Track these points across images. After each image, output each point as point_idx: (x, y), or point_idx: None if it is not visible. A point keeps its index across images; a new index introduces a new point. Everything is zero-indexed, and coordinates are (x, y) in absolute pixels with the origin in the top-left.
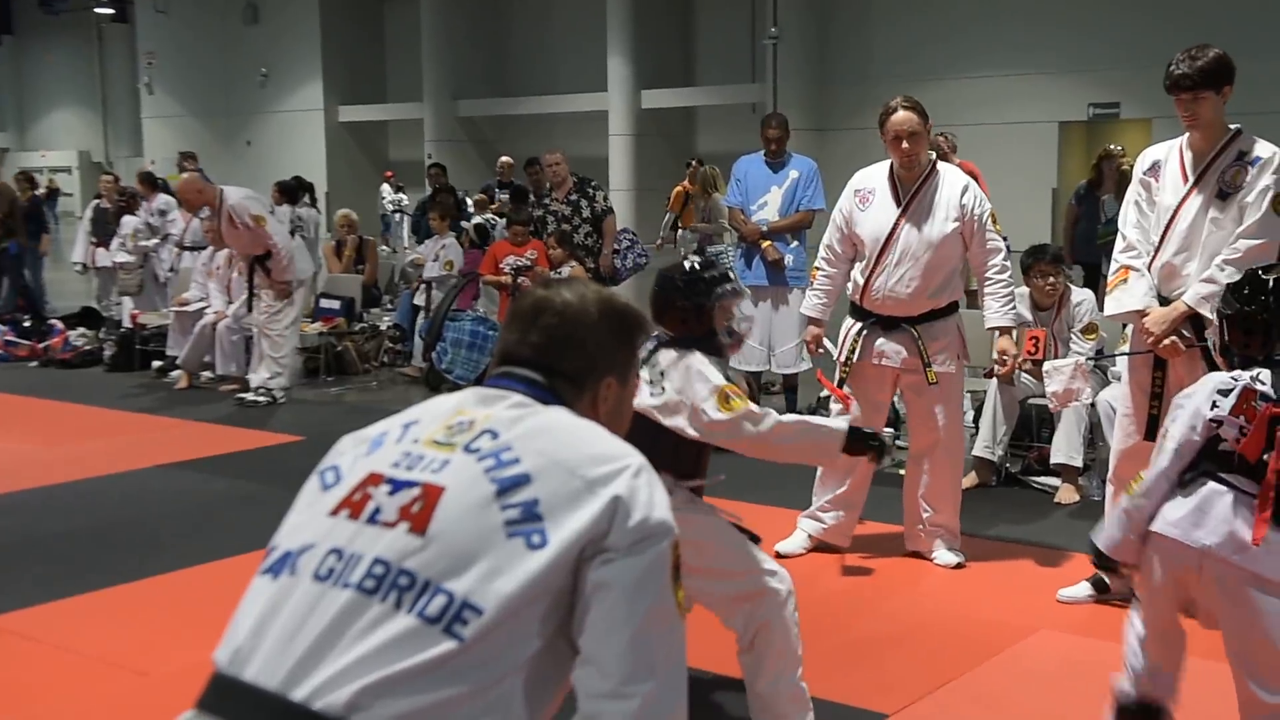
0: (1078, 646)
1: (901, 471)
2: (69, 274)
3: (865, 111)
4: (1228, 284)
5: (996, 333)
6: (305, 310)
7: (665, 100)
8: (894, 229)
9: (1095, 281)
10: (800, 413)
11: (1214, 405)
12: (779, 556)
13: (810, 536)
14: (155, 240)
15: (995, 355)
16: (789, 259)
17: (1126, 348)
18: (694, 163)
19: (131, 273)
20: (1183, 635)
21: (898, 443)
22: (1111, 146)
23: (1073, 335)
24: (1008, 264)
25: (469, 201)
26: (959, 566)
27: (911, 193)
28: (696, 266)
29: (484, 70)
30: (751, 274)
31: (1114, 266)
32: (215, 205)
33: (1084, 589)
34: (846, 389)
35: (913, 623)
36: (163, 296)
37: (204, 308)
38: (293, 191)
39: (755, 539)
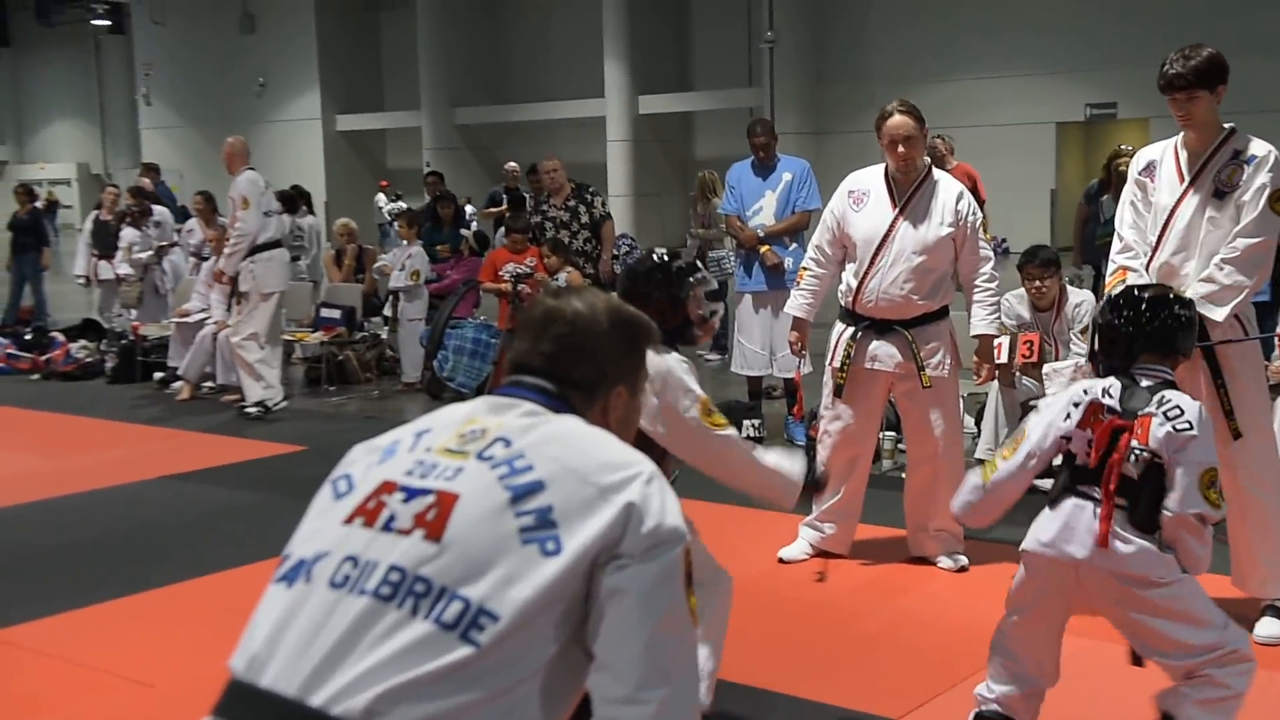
0: (1081, 648)
1: (903, 475)
2: (70, 286)
3: (862, 114)
4: (1107, 294)
5: (977, 340)
6: (276, 325)
7: (663, 105)
8: (890, 230)
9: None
10: (805, 416)
11: (1067, 417)
12: (782, 562)
13: (811, 544)
14: (151, 253)
15: (973, 363)
16: (788, 262)
17: None
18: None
19: (132, 285)
20: (1059, 649)
21: (899, 446)
22: (1121, 146)
23: (1072, 336)
24: (996, 273)
25: (469, 209)
26: (962, 570)
27: (908, 195)
28: (664, 258)
29: (481, 78)
30: (751, 280)
31: (1111, 267)
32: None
33: None
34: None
35: (917, 626)
36: (164, 308)
37: (205, 318)
38: (291, 201)
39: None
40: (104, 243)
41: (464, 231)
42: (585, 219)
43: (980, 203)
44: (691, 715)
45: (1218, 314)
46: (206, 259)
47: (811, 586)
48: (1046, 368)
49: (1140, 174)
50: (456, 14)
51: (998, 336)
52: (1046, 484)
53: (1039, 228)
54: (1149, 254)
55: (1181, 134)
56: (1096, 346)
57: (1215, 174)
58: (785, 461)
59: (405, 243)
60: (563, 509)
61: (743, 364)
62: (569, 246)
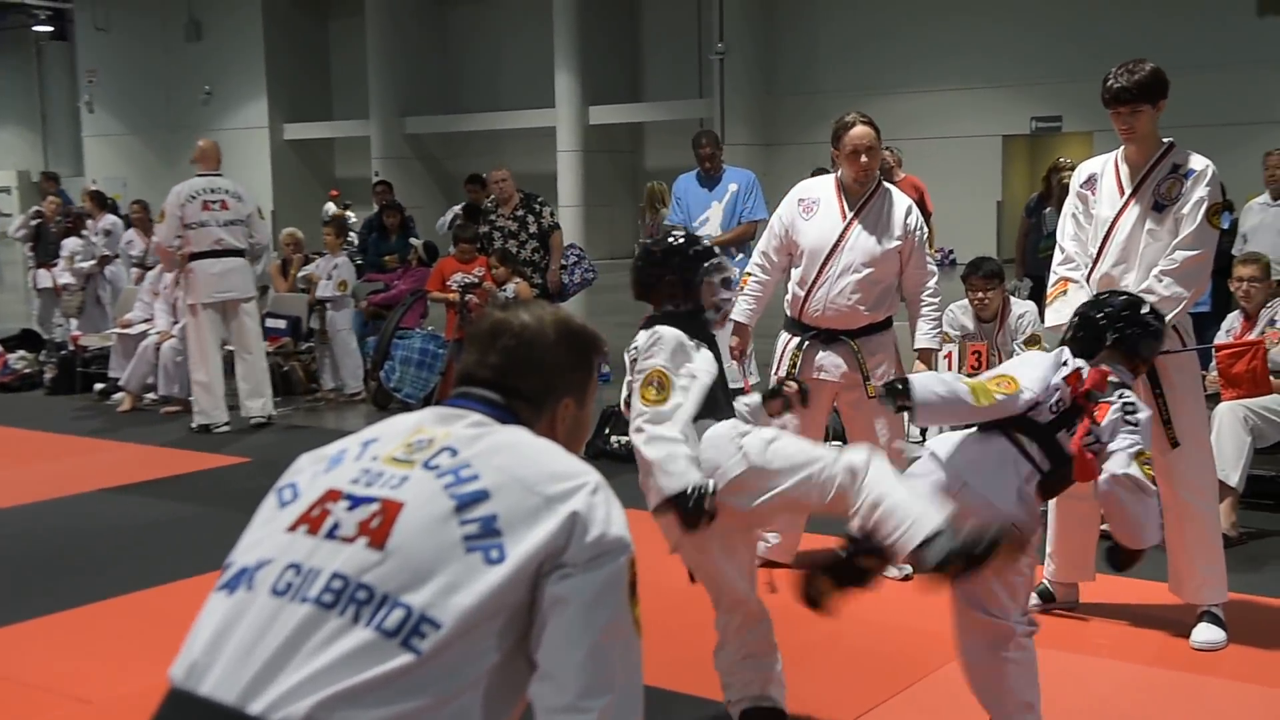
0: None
1: None
2: (11, 295)
3: (812, 126)
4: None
5: (917, 354)
6: (202, 339)
7: (613, 116)
8: (840, 240)
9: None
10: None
11: (1057, 374)
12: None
13: (758, 555)
14: (93, 262)
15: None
16: (735, 272)
17: None
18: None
19: (73, 294)
20: None
21: None
22: (1060, 159)
23: (1015, 347)
24: (939, 288)
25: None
26: (906, 578)
27: (859, 206)
28: (680, 241)
29: (431, 87)
30: None
31: (1053, 278)
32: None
33: (1030, 598)
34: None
35: (860, 635)
36: (105, 318)
37: (147, 329)
38: None
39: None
40: (44, 251)
41: (413, 241)
42: (534, 229)
43: (927, 215)
44: None
45: None
46: (149, 268)
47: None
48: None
49: (1081, 187)
50: (406, 23)
51: (938, 350)
52: None
53: (985, 239)
54: (1090, 265)
55: (1122, 148)
56: (1070, 336)
57: (1155, 187)
58: (683, 459)
59: (328, 253)
60: (507, 518)
61: None
62: (517, 256)
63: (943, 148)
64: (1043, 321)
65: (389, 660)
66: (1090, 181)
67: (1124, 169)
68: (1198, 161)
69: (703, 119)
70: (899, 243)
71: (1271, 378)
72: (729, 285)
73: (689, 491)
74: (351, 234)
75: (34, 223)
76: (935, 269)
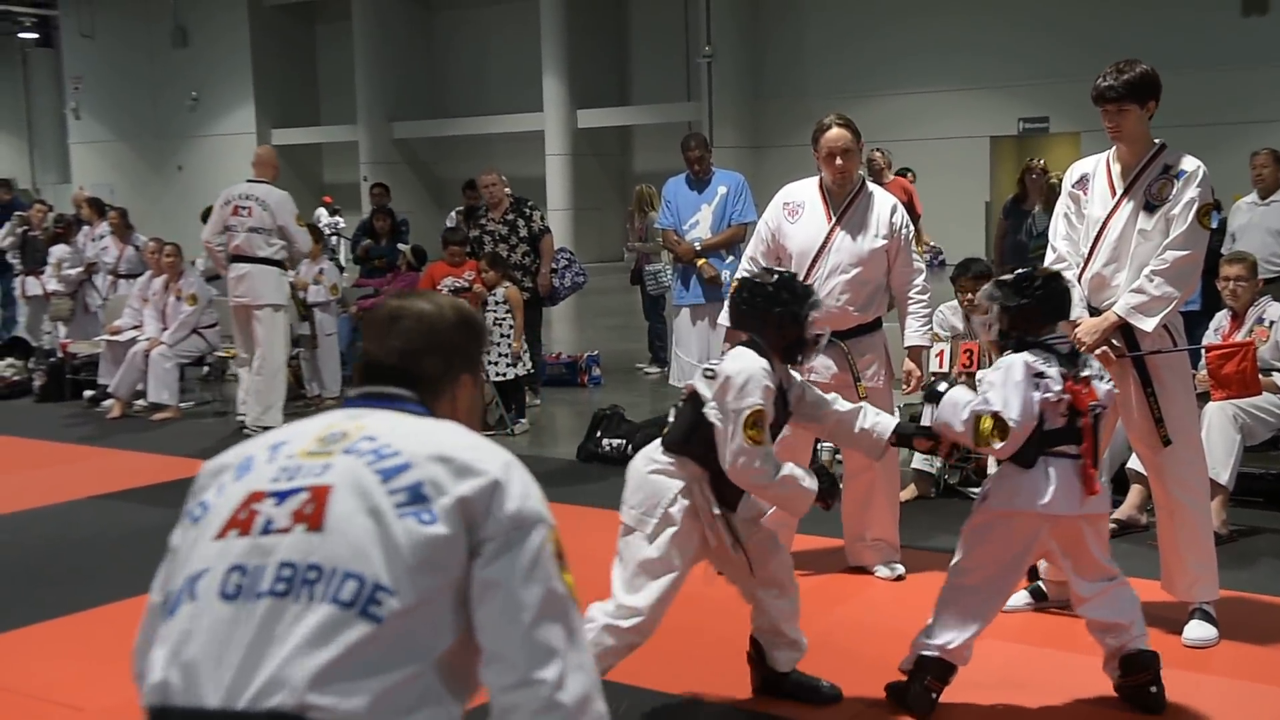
0: (1017, 654)
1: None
2: None
3: (799, 129)
4: (1007, 281)
5: (907, 351)
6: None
7: (601, 120)
8: (826, 242)
9: None
10: None
11: (1035, 389)
12: (719, 572)
13: None
14: (80, 269)
15: (902, 374)
16: (725, 275)
17: None
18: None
19: (62, 300)
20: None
21: (838, 458)
22: (1031, 160)
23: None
24: (928, 285)
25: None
26: (899, 579)
27: (843, 207)
28: (789, 277)
29: (419, 91)
30: (689, 293)
31: None
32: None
33: (1022, 598)
34: None
35: (852, 636)
36: (95, 325)
37: (136, 336)
38: None
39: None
40: (32, 258)
41: (401, 246)
42: (524, 233)
43: (915, 216)
44: (588, 684)
45: (1147, 324)
46: (123, 276)
47: (734, 597)
48: (980, 374)
49: (1073, 187)
50: (394, 27)
51: (929, 348)
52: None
53: (974, 240)
54: (1081, 265)
55: (1114, 148)
56: (1007, 327)
57: (1146, 188)
58: (799, 473)
59: (309, 260)
60: (432, 484)
61: (680, 376)
62: (507, 260)
63: (931, 149)
64: None
65: (352, 631)
66: (1082, 181)
67: (1116, 169)
68: (1189, 163)
69: (690, 122)
70: (885, 242)
71: (1261, 377)
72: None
73: (822, 483)
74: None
75: (20, 230)
76: (923, 267)
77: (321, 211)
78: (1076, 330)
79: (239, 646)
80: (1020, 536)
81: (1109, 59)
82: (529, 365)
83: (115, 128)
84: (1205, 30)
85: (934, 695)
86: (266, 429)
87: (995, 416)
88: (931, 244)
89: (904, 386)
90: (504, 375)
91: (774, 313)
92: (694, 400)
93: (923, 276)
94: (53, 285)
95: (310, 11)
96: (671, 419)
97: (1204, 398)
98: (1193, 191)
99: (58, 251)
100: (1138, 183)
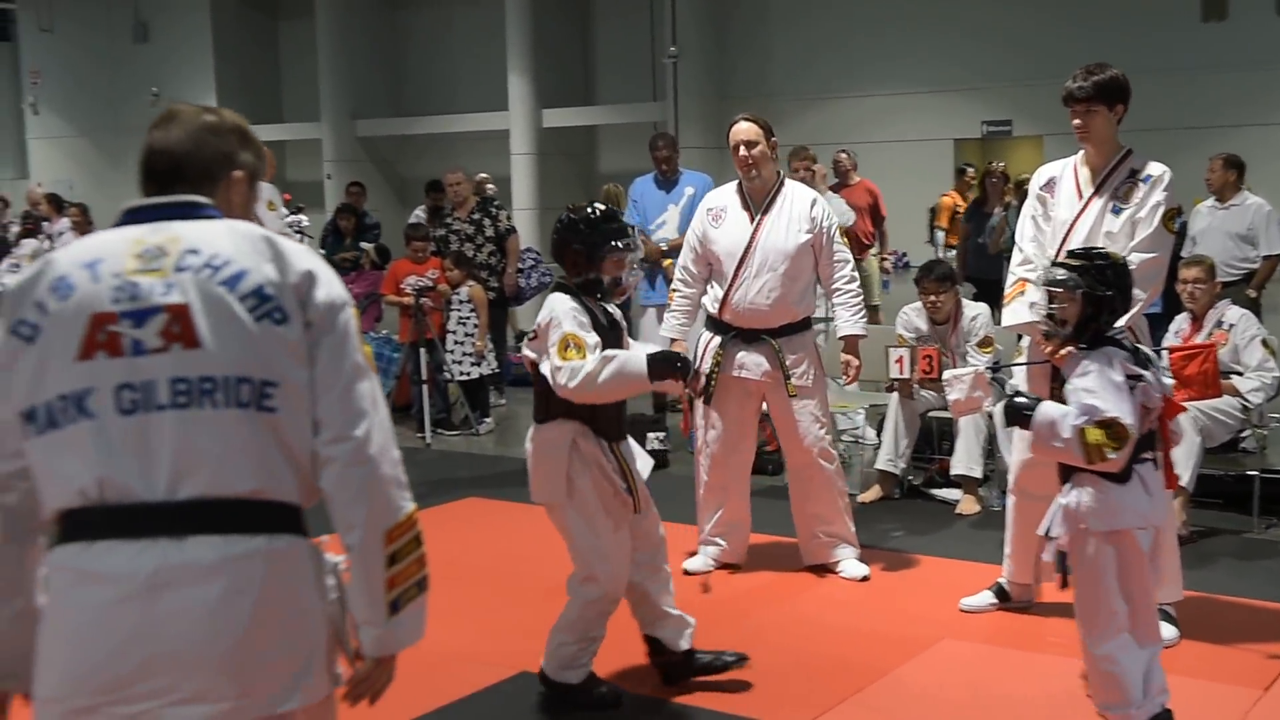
0: (980, 654)
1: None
2: None
3: None
4: (1083, 266)
5: (843, 342)
6: None
7: (567, 119)
8: (750, 242)
9: (991, 296)
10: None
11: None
12: (687, 574)
13: (712, 558)
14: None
15: (840, 364)
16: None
17: (1023, 359)
18: (968, 170)
19: None
20: None
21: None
22: (992, 163)
23: (968, 349)
24: (855, 274)
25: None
26: (864, 579)
27: (763, 207)
28: (599, 214)
29: (383, 89)
30: (655, 292)
31: (1011, 279)
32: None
33: (986, 598)
34: (699, 409)
35: (815, 637)
36: None
37: None
38: None
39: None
40: None
41: (364, 245)
42: (490, 232)
43: (881, 219)
44: (386, 437)
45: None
46: None
47: (706, 596)
48: (947, 374)
49: (1041, 189)
50: (358, 24)
51: (864, 336)
52: (948, 495)
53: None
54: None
55: (1081, 152)
56: (1085, 319)
57: (1113, 191)
58: (620, 355)
59: None
60: (270, 284)
61: None
62: (472, 260)
63: (895, 151)
64: (997, 323)
65: (258, 424)
66: (1050, 184)
67: (1083, 172)
68: (1155, 167)
69: (656, 122)
70: (808, 236)
71: (1221, 380)
72: (638, 265)
73: (678, 366)
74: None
75: None
76: (849, 258)
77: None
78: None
79: (162, 449)
80: (1134, 553)
81: (1070, 63)
82: (494, 365)
83: (74, 123)
84: (1165, 36)
85: None
86: None
87: (1108, 424)
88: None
89: (843, 378)
90: (468, 374)
91: (571, 247)
92: (535, 369)
93: (850, 266)
94: (8, 279)
95: (273, 7)
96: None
97: None
98: (1159, 195)
99: (30, 245)
100: (1104, 186)
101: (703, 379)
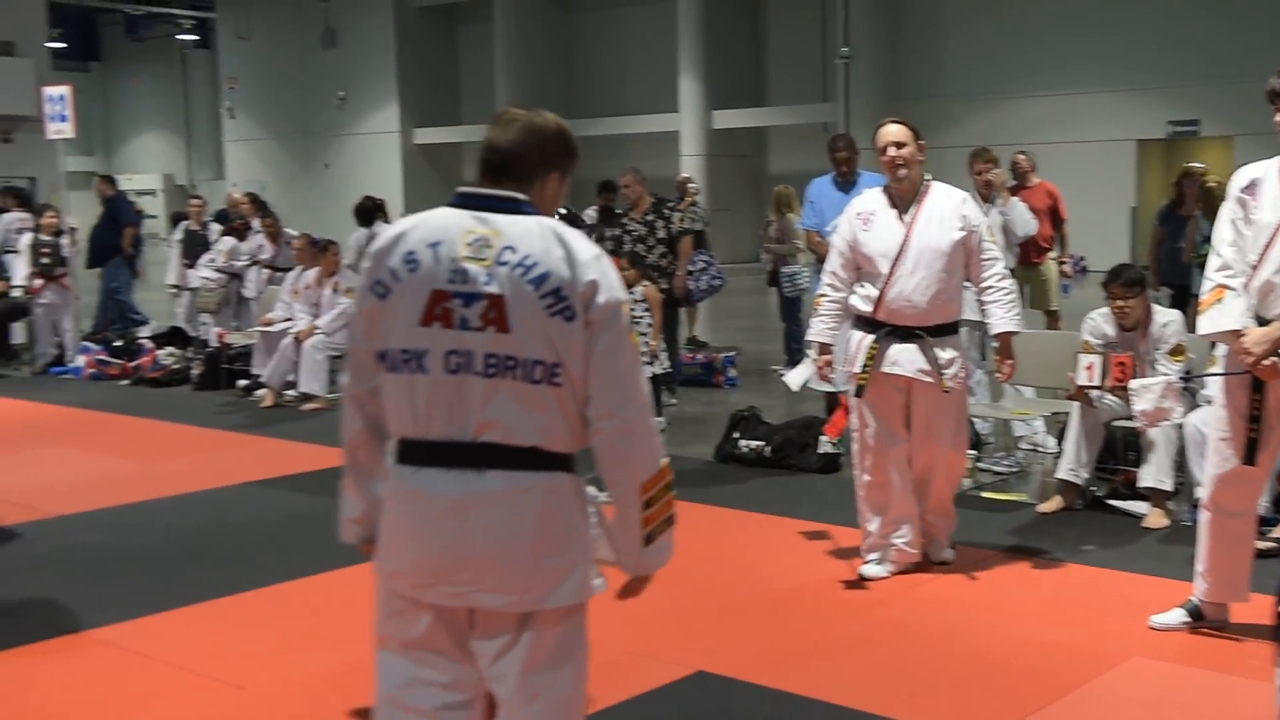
0: (1172, 675)
1: (983, 494)
2: (156, 294)
3: (940, 131)
4: None
5: (997, 340)
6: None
7: (737, 120)
8: (905, 239)
9: (1184, 303)
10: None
11: None
12: (863, 579)
13: (889, 561)
14: (246, 260)
15: (994, 362)
16: None
17: (1218, 369)
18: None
19: (211, 292)
20: None
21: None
22: (1191, 164)
23: (1159, 357)
24: (1007, 272)
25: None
26: (942, 563)
27: (912, 208)
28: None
29: (556, 92)
30: None
31: (1208, 285)
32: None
33: (1178, 616)
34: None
35: (998, 649)
36: (247, 317)
37: (288, 327)
38: (367, 213)
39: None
40: (193, 252)
41: None
42: (661, 233)
43: (1060, 221)
44: (650, 423)
45: None
46: (278, 270)
47: (887, 603)
48: (1134, 384)
49: (1242, 191)
50: (533, 29)
51: (1018, 333)
52: (1134, 508)
53: (1119, 246)
54: (1249, 272)
55: None
56: None
57: None
58: None
59: None
60: (566, 285)
61: (819, 380)
62: (644, 260)
63: (1075, 152)
64: (1192, 330)
65: (547, 395)
66: (1251, 186)
67: None
68: None
69: (826, 123)
70: (961, 234)
71: None
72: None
73: None
74: None
75: (183, 224)
76: (1000, 255)
77: None
78: (1243, 340)
79: (469, 404)
80: None
81: (1266, 58)
82: (666, 365)
83: (267, 126)
84: None
85: None
86: None
87: None
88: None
89: (998, 375)
90: None
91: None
92: None
93: (1001, 264)
94: (204, 273)
95: (453, 14)
96: None
97: None
98: None
99: (227, 242)
100: None
101: (855, 380)
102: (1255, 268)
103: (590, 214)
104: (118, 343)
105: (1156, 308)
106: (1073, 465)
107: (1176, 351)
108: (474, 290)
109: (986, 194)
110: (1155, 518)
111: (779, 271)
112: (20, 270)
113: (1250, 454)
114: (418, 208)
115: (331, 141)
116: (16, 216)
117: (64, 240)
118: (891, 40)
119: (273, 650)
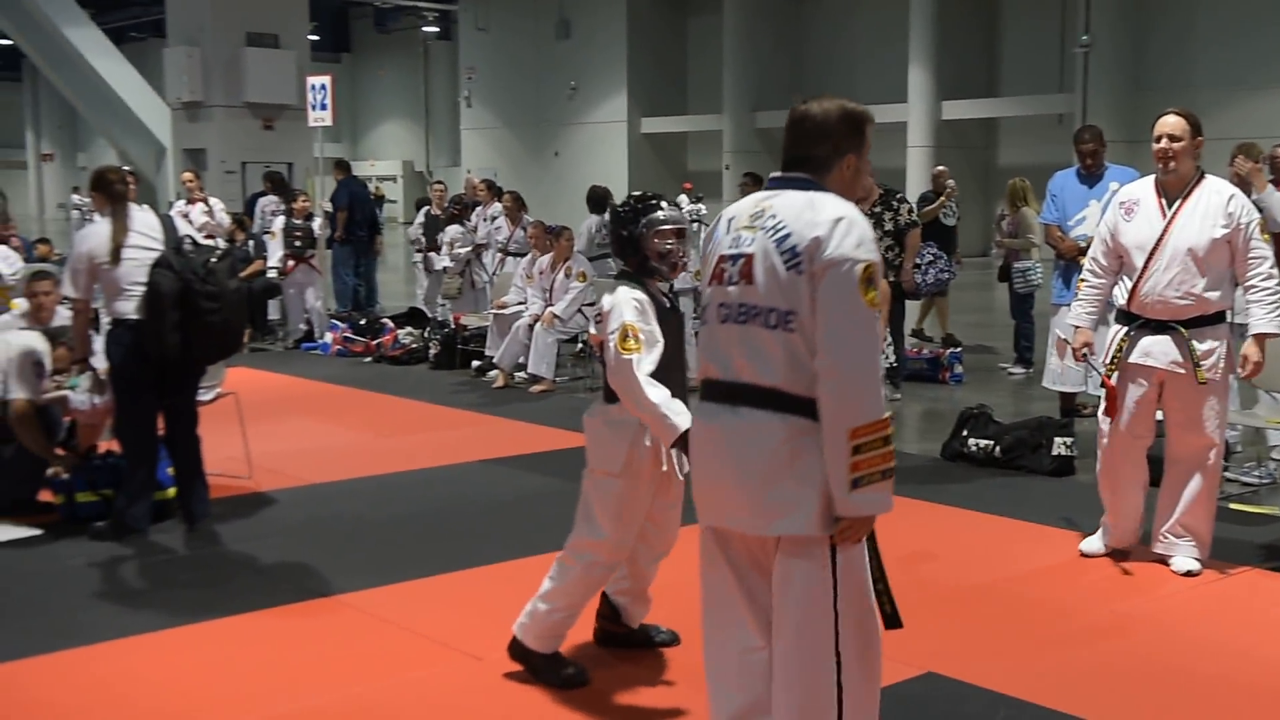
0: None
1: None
2: (394, 276)
3: None
4: None
5: (1251, 338)
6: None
7: (967, 111)
8: (1163, 234)
9: None
10: None
11: None
12: (1083, 556)
13: (1101, 540)
14: (470, 248)
15: (1241, 359)
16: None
17: None
18: None
19: (453, 278)
20: None
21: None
22: None
23: None
24: (1274, 271)
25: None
26: (1189, 574)
27: (1177, 200)
28: (634, 198)
29: (783, 82)
30: (1070, 292)
31: None
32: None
33: None
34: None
35: (1244, 673)
36: (481, 299)
37: (520, 310)
38: (600, 200)
39: None
40: (433, 236)
41: None
42: (889, 226)
43: None
44: (868, 374)
45: None
46: (512, 254)
47: (1124, 615)
48: None
49: None
50: (762, 18)
51: (1275, 335)
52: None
53: None
54: None
55: None
56: None
57: None
58: (669, 403)
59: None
60: (801, 244)
61: (1055, 379)
62: None
63: None
64: None
65: (784, 339)
66: None
67: None
68: None
69: (1061, 115)
70: (1225, 230)
71: None
72: (679, 234)
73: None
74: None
75: (424, 209)
76: (1269, 254)
77: (682, 198)
78: None
79: (730, 350)
80: None
81: None
82: (891, 359)
83: (501, 115)
84: None
85: None
86: None
87: None
88: None
89: (1240, 371)
90: None
91: (618, 236)
92: (603, 349)
93: (1269, 264)
94: (443, 263)
95: (683, 6)
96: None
97: None
98: None
99: (451, 231)
100: None
101: (1106, 370)
102: None
103: None
104: (362, 321)
105: None
106: None
107: None
108: (739, 252)
109: (1244, 187)
110: None
111: (1011, 266)
112: (275, 252)
113: None
114: None
115: (561, 130)
116: (271, 200)
117: (315, 223)
118: (1136, 27)
119: (509, 625)
